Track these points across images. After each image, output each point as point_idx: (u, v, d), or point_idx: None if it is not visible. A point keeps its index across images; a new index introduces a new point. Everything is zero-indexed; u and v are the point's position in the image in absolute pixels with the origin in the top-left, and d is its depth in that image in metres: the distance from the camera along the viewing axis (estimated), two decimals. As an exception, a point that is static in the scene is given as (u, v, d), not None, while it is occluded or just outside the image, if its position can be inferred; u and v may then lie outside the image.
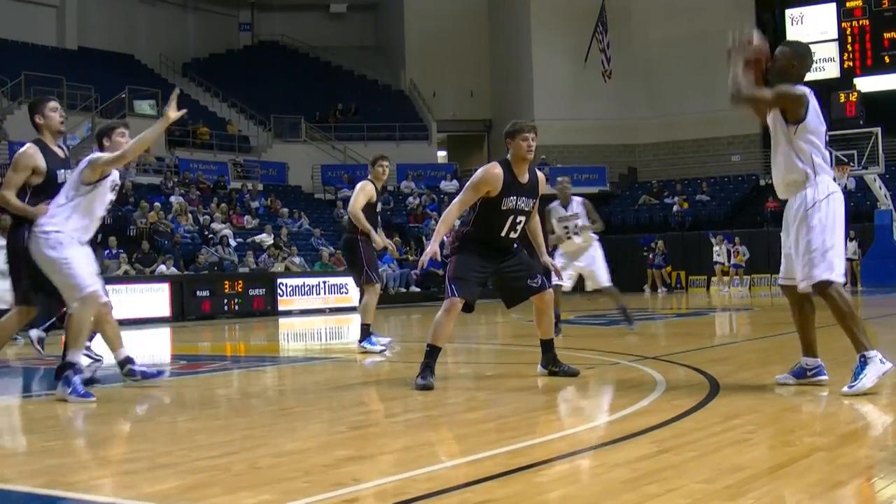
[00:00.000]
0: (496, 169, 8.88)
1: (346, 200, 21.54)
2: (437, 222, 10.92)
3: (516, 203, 8.90)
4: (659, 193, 42.91)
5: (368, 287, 12.59)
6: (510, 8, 48.40)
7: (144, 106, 40.28)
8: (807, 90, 7.50)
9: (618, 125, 44.71)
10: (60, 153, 8.94)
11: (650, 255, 37.42)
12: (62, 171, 8.72)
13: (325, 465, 5.38)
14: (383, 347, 12.58)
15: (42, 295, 8.70)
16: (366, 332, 12.55)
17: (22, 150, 8.63)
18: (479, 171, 8.97)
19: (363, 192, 12.63)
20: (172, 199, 33.94)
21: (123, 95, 39.17)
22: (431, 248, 8.70)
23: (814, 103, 7.47)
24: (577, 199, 14.75)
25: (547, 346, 9.13)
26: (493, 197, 8.76)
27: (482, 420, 6.85)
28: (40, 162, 8.64)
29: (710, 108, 42.26)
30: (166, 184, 35.69)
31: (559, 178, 15.35)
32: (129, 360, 9.16)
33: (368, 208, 12.60)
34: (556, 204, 14.75)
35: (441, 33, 48.83)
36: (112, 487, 5.06)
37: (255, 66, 49.65)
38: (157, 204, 32.31)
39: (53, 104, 8.88)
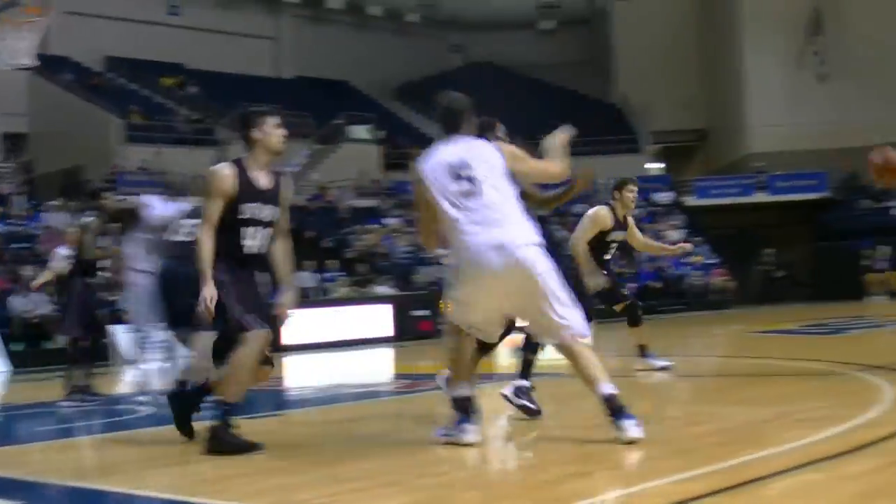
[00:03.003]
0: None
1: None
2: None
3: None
4: (881, 197, 41.59)
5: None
6: (720, 14, 47.73)
7: (360, 131, 41.08)
8: None
9: (836, 129, 43.35)
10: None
11: (870, 262, 36.32)
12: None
13: (548, 482, 5.41)
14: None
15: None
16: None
17: None
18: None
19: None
20: (389, 220, 34.51)
21: (339, 121, 40.07)
22: None
23: None
24: None
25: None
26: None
27: (704, 434, 6.78)
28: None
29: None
30: (383, 206, 36.32)
31: None
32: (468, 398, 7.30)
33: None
34: None
35: (652, 45, 48.42)
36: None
37: (466, 87, 49.35)
38: (375, 226, 32.92)
39: (276, 119, 7.41)
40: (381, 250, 31.12)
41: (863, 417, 6.71)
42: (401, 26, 51.92)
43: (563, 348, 6.63)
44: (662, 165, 50.30)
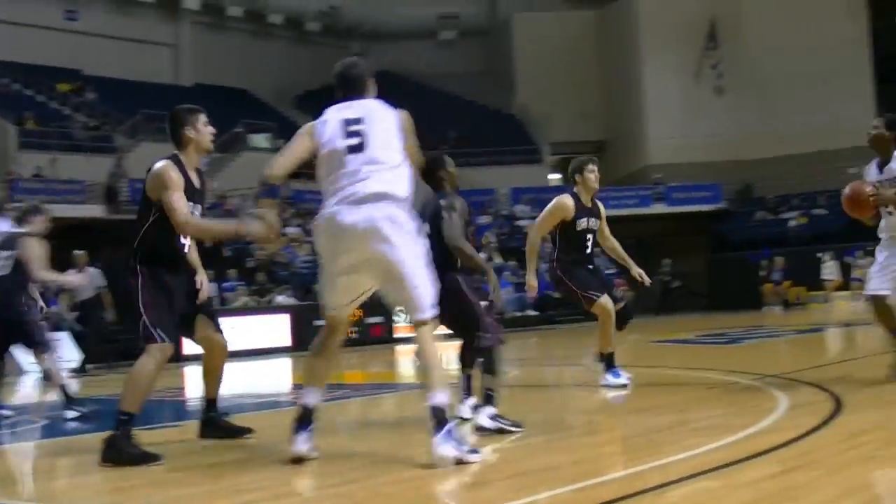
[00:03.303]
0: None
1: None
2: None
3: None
4: (776, 209, 42.37)
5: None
6: (619, 27, 48.27)
7: (260, 139, 40.81)
8: None
9: (732, 141, 44.14)
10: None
11: (766, 273, 36.80)
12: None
13: (446, 491, 5.41)
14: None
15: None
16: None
17: None
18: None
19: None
20: (289, 229, 34.29)
21: (239, 130, 39.77)
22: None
23: None
24: None
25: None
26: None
27: (603, 443, 6.82)
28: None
29: (826, 120, 41.67)
30: (283, 215, 36.08)
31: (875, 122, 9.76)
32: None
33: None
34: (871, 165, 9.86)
35: (551, 56, 48.82)
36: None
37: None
38: (274, 235, 32.69)
39: (206, 117, 7.65)
40: (281, 260, 30.92)
41: (758, 426, 6.79)
42: (301, 35, 51.71)
43: (415, 329, 6.37)
44: (557, 176, 50.74)
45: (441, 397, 6.10)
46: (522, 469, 5.91)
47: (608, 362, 10.43)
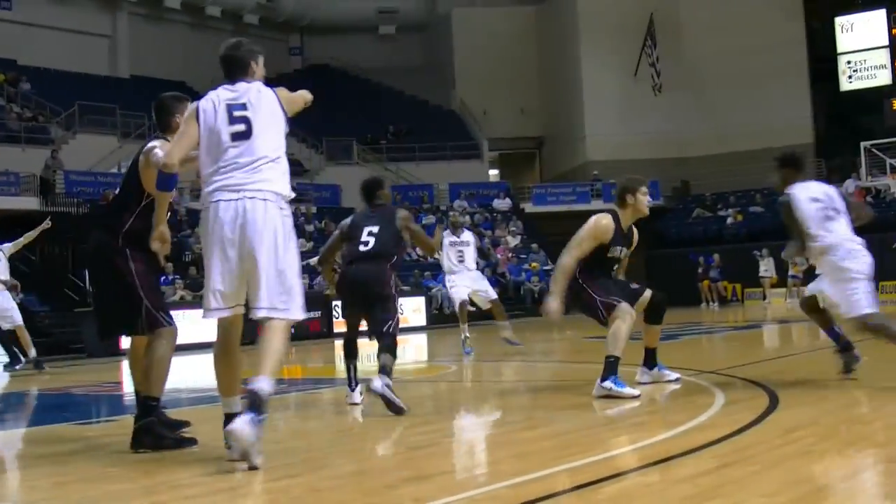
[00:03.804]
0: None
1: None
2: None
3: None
4: (713, 206, 42.68)
5: None
6: (558, 24, 48.38)
7: (197, 132, 40.52)
8: None
9: (670, 139, 44.46)
10: None
11: (700, 270, 37.03)
12: None
13: (385, 487, 5.39)
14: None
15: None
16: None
17: None
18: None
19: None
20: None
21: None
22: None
23: None
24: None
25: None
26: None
27: (541, 438, 6.82)
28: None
29: (762, 119, 42.01)
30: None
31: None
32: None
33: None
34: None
35: (490, 52, 48.85)
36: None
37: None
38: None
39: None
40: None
41: (695, 421, 6.83)
42: (239, 27, 51.27)
43: (268, 322, 6.31)
44: (496, 172, 50.80)
45: (265, 385, 6.00)
46: (461, 464, 5.91)
47: (612, 367, 8.95)
